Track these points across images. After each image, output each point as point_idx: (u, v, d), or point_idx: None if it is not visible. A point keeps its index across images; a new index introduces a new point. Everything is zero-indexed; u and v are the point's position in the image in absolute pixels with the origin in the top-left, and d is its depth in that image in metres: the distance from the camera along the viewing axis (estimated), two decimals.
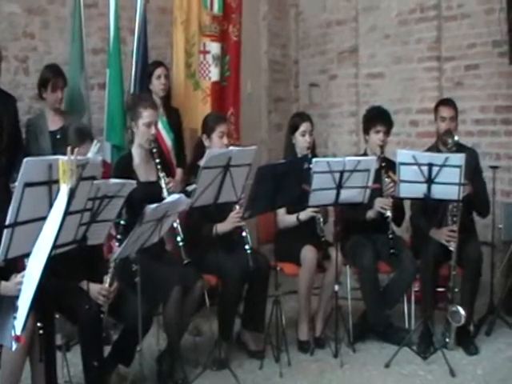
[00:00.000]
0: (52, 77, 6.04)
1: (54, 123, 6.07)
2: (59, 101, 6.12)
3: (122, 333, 4.69)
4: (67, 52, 6.68)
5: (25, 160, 3.41)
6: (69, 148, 3.14)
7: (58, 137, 5.84)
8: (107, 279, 4.49)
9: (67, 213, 2.94)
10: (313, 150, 5.95)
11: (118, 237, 4.38)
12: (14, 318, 2.95)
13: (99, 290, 4.44)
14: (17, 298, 3.15)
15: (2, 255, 3.47)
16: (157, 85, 6.46)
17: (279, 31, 9.05)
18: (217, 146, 5.53)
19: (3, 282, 3.97)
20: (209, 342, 5.58)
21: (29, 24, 6.92)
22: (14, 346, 2.91)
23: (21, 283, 3.73)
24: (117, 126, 6.45)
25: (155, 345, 5.25)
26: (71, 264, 4.15)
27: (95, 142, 4.34)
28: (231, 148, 5.17)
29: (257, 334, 5.64)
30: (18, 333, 2.87)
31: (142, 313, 4.42)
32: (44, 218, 3.46)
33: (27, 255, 3.53)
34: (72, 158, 2.98)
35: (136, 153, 5.34)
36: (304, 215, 5.73)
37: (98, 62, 7.03)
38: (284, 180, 5.15)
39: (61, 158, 3.42)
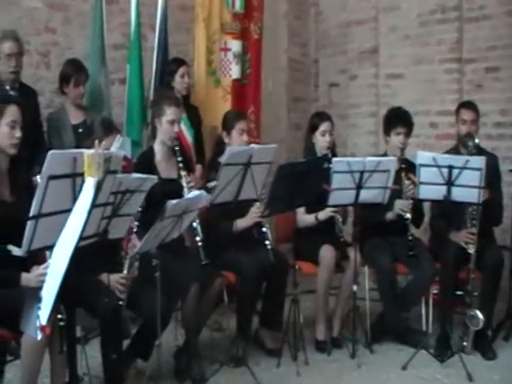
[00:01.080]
0: (74, 72, 6.07)
1: (75, 118, 6.09)
2: (81, 96, 6.15)
3: (141, 327, 4.68)
4: (88, 47, 6.68)
5: (49, 153, 3.41)
6: (96, 141, 3.13)
7: (80, 131, 5.86)
8: (125, 267, 4.49)
9: (93, 206, 2.92)
10: (332, 150, 5.93)
11: (135, 229, 4.39)
12: (38, 308, 2.96)
13: (118, 278, 4.44)
14: (40, 288, 3.16)
15: (26, 247, 3.48)
16: (180, 83, 6.48)
17: (299, 30, 9.04)
18: (236, 143, 5.53)
19: (24, 274, 3.98)
20: (227, 338, 5.61)
21: (50, 19, 6.96)
22: (39, 336, 2.91)
23: (42, 275, 3.76)
24: (136, 121, 6.48)
25: (173, 340, 5.24)
26: (91, 257, 4.14)
27: (118, 136, 4.34)
28: (252, 145, 5.17)
29: (274, 333, 5.63)
30: (44, 323, 2.87)
31: (161, 308, 4.40)
32: (67, 211, 3.48)
33: (50, 247, 3.57)
34: (99, 151, 2.97)
35: (158, 149, 5.33)
36: (323, 215, 5.70)
37: (118, 57, 7.05)
38: (304, 179, 5.13)
39: (86, 151, 3.44)
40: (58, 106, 6.55)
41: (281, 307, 5.53)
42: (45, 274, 3.74)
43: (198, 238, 4.95)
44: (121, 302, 4.38)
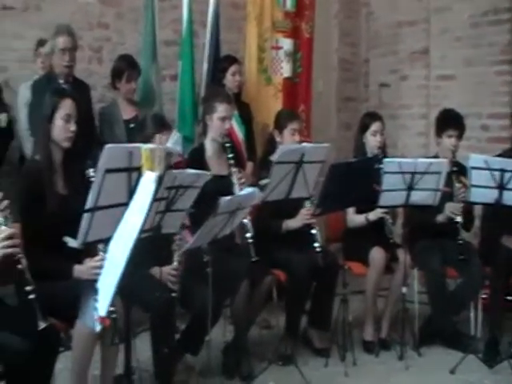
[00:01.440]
0: (127, 67, 6.11)
1: (127, 113, 6.13)
2: (133, 91, 6.19)
3: (191, 322, 4.70)
4: (140, 43, 6.73)
5: (106, 146, 3.43)
6: (157, 136, 3.13)
7: (132, 126, 5.88)
8: (175, 258, 4.50)
9: (154, 200, 2.92)
10: (383, 150, 5.88)
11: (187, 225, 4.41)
12: (95, 300, 2.97)
13: (169, 270, 4.46)
14: (95, 281, 3.18)
15: (81, 239, 3.50)
16: (231, 81, 6.49)
17: (350, 30, 9.00)
18: (288, 143, 5.51)
19: (77, 266, 4.01)
20: (275, 336, 5.57)
21: (103, 14, 7.04)
22: (98, 327, 2.92)
23: (95, 267, 3.79)
24: (188, 117, 6.50)
25: (221, 336, 5.22)
26: (142, 252, 4.15)
27: (175, 131, 4.34)
28: (304, 144, 5.15)
29: (322, 332, 5.60)
30: (102, 314, 2.88)
31: (212, 303, 4.40)
32: (123, 205, 3.50)
33: (105, 240, 3.59)
34: (161, 145, 2.97)
35: (209, 146, 5.34)
36: (373, 215, 5.66)
37: (170, 53, 7.11)
38: (356, 179, 5.09)
39: (143, 145, 3.45)
40: (109, 100, 6.59)
41: (330, 307, 5.50)
42: (97, 267, 3.77)
43: (248, 235, 4.93)
44: (174, 294, 4.40)
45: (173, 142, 4.37)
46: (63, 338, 3.94)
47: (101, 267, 3.64)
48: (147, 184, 3.00)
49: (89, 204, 3.45)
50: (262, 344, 5.55)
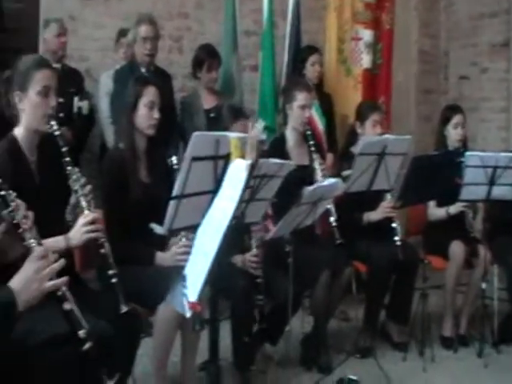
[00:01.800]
0: (208, 57, 6.14)
1: (207, 102, 6.16)
2: (213, 81, 6.21)
3: (271, 312, 4.69)
4: (220, 33, 6.76)
5: (194, 134, 3.45)
6: (250, 124, 3.12)
7: (212, 115, 5.91)
8: (253, 244, 4.51)
9: (246, 188, 2.92)
10: (464, 144, 5.80)
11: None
12: (183, 286, 2.99)
13: (249, 256, 4.47)
14: (182, 267, 3.19)
15: (167, 226, 3.52)
16: (311, 71, 6.47)
17: (429, 22, 8.85)
18: (369, 135, 5.46)
19: (159, 253, 4.04)
20: (354, 329, 5.54)
21: (184, 4, 7.07)
22: (188, 313, 2.93)
23: (178, 254, 3.80)
24: (269, 108, 6.49)
25: (300, 327, 5.21)
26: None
27: (260, 121, 4.33)
28: (387, 136, 5.09)
29: (401, 326, 5.54)
30: (193, 300, 2.90)
31: (292, 294, 4.39)
32: (208, 192, 3.51)
33: (190, 227, 3.61)
34: (253, 133, 2.96)
35: (289, 135, 5.32)
36: (454, 209, 5.57)
37: (250, 44, 7.13)
38: (438, 172, 5.03)
39: (230, 134, 3.46)
40: (189, 90, 6.64)
41: (409, 301, 5.43)
42: (182, 253, 3.79)
43: (332, 219, 4.91)
44: (259, 280, 4.41)
45: (253, 131, 4.35)
46: (144, 323, 3.98)
47: (186, 254, 3.66)
48: (238, 172, 2.99)
49: (175, 191, 3.46)
50: (341, 336, 5.53)
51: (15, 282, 2.47)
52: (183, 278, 3.03)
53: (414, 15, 8.69)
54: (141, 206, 4.10)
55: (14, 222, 2.63)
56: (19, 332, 2.94)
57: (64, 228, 3.43)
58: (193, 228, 3.60)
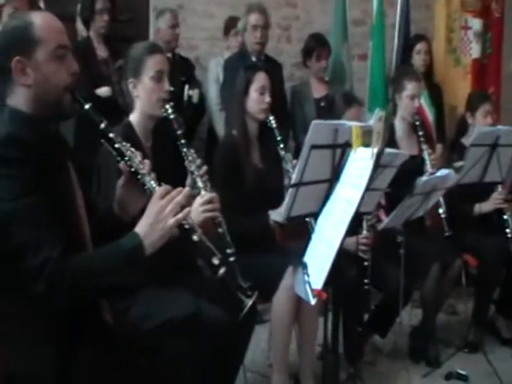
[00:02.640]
0: (317, 46, 6.15)
1: (317, 91, 6.18)
2: (323, 70, 6.22)
3: (381, 303, 4.69)
4: (328, 22, 6.75)
5: (313, 122, 3.44)
6: (376, 112, 3.11)
7: (322, 104, 5.91)
8: (364, 227, 4.49)
9: (372, 177, 2.92)
10: None
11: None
12: (305, 273, 3.00)
13: (361, 239, 4.45)
14: (301, 255, 3.21)
15: (286, 213, 3.55)
16: (417, 60, 6.39)
17: None
18: (480, 125, 5.36)
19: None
20: (462, 323, 5.45)
21: None
22: (313, 301, 2.95)
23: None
24: (379, 97, 6.43)
25: (407, 320, 5.18)
26: None
27: (378, 110, 4.32)
28: (500, 127, 5.02)
29: (511, 322, 5.43)
30: (317, 287, 2.92)
31: (403, 285, 4.38)
32: (325, 181, 3.52)
33: (308, 215, 3.64)
34: (379, 122, 2.95)
35: (398, 125, 5.28)
36: None
37: (358, 33, 7.10)
38: None
39: (351, 123, 3.46)
40: (298, 79, 6.67)
41: None
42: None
43: (441, 210, 4.87)
44: (366, 263, 4.40)
45: (377, 120, 4.32)
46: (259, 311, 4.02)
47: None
48: (363, 160, 2.99)
49: (294, 179, 3.48)
50: (449, 330, 5.44)
51: (140, 227, 2.51)
52: (304, 266, 3.05)
53: None
54: (255, 190, 4.15)
55: (132, 170, 2.65)
56: (135, 316, 3.03)
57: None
58: (310, 216, 3.67)
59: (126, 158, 2.64)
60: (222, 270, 2.54)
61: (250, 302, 2.68)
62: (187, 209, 2.55)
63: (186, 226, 2.55)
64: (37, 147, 2.45)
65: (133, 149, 2.68)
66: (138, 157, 2.68)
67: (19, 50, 2.48)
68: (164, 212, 2.49)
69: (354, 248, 4.42)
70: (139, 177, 2.65)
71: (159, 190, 2.57)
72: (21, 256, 2.34)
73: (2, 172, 2.37)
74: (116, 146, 2.63)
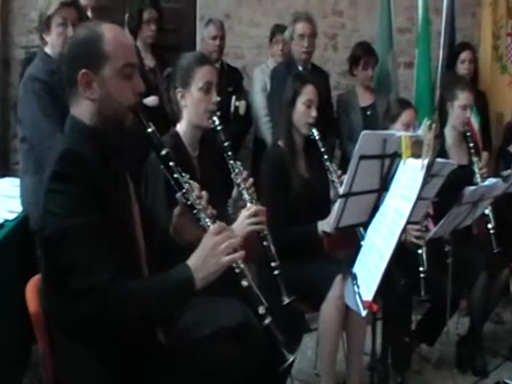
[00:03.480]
0: (364, 54, 6.14)
1: (364, 100, 6.17)
2: (369, 78, 6.21)
3: (429, 311, 4.68)
4: (374, 30, 6.76)
5: (362, 133, 3.45)
6: (426, 122, 3.11)
7: (369, 113, 5.93)
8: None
9: (422, 189, 2.92)
10: None
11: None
12: (354, 284, 3.01)
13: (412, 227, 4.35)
14: (351, 265, 3.22)
15: (335, 224, 3.57)
16: (461, 69, 6.37)
17: None
18: None
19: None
20: (509, 332, 5.46)
21: (338, 2, 7.14)
22: (364, 312, 2.96)
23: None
24: (425, 106, 6.39)
25: (453, 329, 5.16)
26: None
27: (426, 118, 4.33)
28: None
29: None
30: (368, 299, 2.92)
31: (451, 294, 4.37)
32: (374, 191, 3.53)
33: (356, 225, 3.65)
34: (429, 133, 2.95)
35: (449, 134, 5.28)
36: None
37: (403, 41, 7.12)
38: None
39: (401, 133, 3.46)
40: (344, 87, 6.69)
41: None
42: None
43: (489, 226, 4.83)
44: (420, 251, 4.37)
45: (427, 129, 4.33)
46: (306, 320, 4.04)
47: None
48: (413, 172, 2.99)
49: (343, 189, 3.50)
50: (496, 339, 5.39)
51: (193, 260, 2.48)
52: (353, 277, 3.06)
53: None
54: (302, 200, 4.18)
55: (189, 203, 2.66)
56: (184, 325, 3.03)
57: (226, 222, 3.50)
58: (359, 226, 3.68)
59: (184, 191, 2.66)
60: (267, 320, 2.56)
61: (291, 359, 2.65)
62: (241, 252, 2.54)
63: (237, 270, 2.55)
64: (96, 163, 2.47)
65: (191, 181, 2.70)
66: (195, 190, 2.69)
67: (87, 63, 2.50)
68: (218, 248, 2.48)
69: (405, 238, 4.36)
70: (195, 211, 2.66)
71: (214, 226, 2.57)
72: (69, 275, 2.34)
73: (58, 187, 2.39)
74: (175, 175, 2.65)
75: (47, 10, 4.11)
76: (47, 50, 4.21)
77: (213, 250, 2.47)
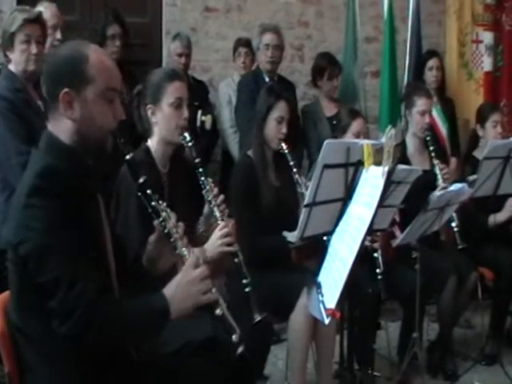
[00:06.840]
0: (329, 65, 6.16)
1: (329, 110, 6.17)
2: (334, 88, 6.24)
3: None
4: (340, 40, 6.80)
5: (325, 142, 3.49)
6: (390, 131, 3.12)
7: (334, 123, 5.94)
8: None
9: (383, 195, 2.96)
10: None
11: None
12: (319, 293, 3.03)
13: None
14: (315, 274, 3.24)
15: (300, 233, 3.59)
16: (429, 76, 6.43)
17: None
18: (490, 136, 5.44)
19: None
20: (478, 336, 5.49)
21: (304, 13, 7.15)
22: (327, 320, 2.98)
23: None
24: (392, 114, 6.40)
25: (424, 335, 5.18)
26: None
27: (389, 127, 4.36)
28: None
29: None
30: (331, 307, 2.94)
31: (419, 300, 4.42)
32: (339, 200, 3.56)
33: (322, 235, 3.68)
34: (390, 140, 2.98)
35: (410, 142, 5.33)
36: None
37: (371, 50, 7.16)
38: None
39: (363, 141, 3.49)
40: (311, 98, 6.72)
41: None
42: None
43: (453, 224, 4.89)
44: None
45: (388, 137, 4.35)
46: (275, 330, 4.05)
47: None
48: (374, 179, 3.02)
49: (307, 199, 3.52)
50: (466, 343, 5.47)
51: (169, 290, 2.47)
52: (318, 285, 3.08)
53: None
54: (272, 209, 4.21)
55: (165, 231, 2.65)
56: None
57: (196, 240, 3.50)
58: (324, 235, 3.70)
59: (161, 219, 2.65)
60: (240, 349, 2.58)
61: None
62: (216, 291, 2.57)
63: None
64: (74, 181, 2.47)
65: (168, 209, 2.69)
66: (172, 219, 2.68)
67: (69, 83, 2.48)
68: (197, 286, 2.49)
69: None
70: (172, 240, 2.65)
71: (192, 258, 2.57)
72: (51, 293, 2.32)
73: (37, 202, 2.36)
74: (152, 203, 2.64)
75: (10, 27, 4.10)
76: (11, 67, 4.19)
77: (191, 286, 2.48)
